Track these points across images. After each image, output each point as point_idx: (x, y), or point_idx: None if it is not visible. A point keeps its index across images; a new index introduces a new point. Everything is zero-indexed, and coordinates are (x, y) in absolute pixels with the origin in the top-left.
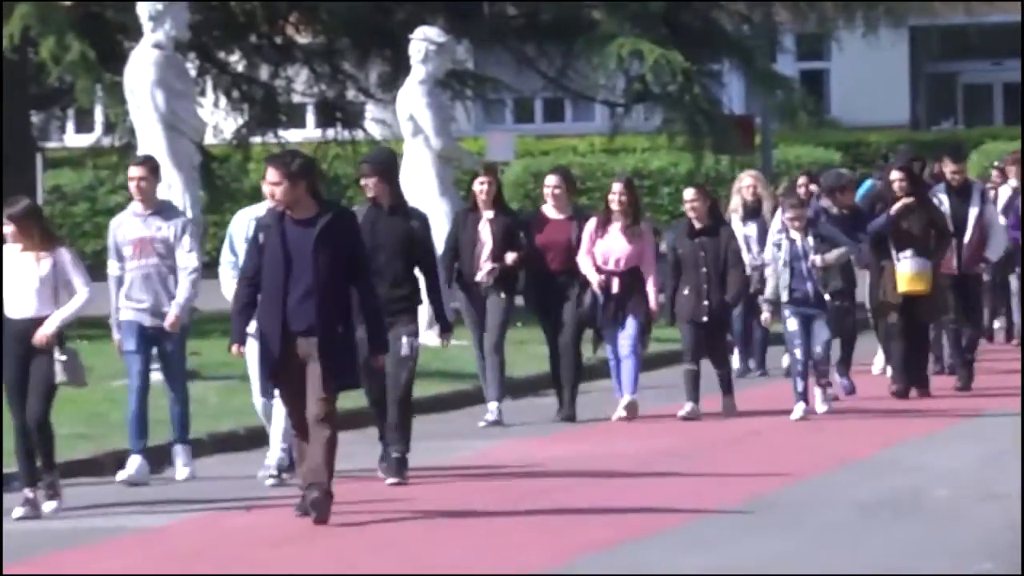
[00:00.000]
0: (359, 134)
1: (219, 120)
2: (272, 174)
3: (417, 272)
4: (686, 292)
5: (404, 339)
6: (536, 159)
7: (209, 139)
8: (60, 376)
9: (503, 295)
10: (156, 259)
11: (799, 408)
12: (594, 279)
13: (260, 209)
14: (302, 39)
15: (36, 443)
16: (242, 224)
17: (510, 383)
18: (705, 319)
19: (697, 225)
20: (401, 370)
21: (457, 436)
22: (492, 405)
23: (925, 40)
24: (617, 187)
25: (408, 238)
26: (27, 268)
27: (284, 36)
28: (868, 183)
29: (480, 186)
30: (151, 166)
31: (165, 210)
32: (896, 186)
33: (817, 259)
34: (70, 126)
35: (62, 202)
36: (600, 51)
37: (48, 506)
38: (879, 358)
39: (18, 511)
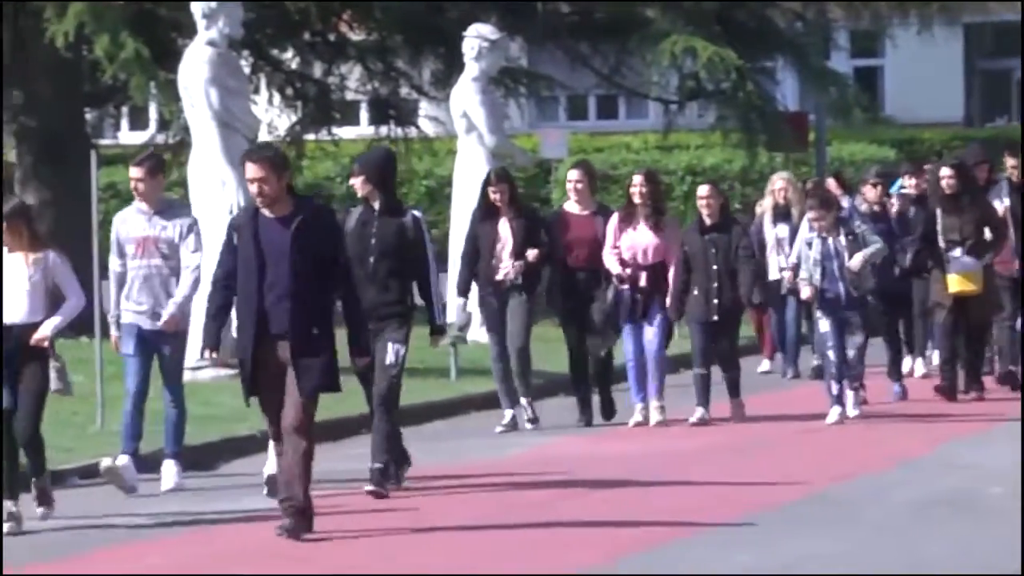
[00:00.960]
0: (412, 131)
1: (273, 117)
2: (256, 169)
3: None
4: (695, 292)
5: (390, 346)
6: (589, 156)
7: (263, 136)
8: (54, 384)
9: (524, 295)
10: (159, 259)
11: (834, 412)
12: (616, 270)
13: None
14: (355, 36)
15: (25, 449)
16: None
17: (547, 380)
18: (715, 319)
19: (708, 222)
20: (384, 378)
21: (506, 434)
22: (524, 401)
23: (979, 37)
24: (637, 179)
25: (400, 240)
26: (17, 271)
27: (337, 33)
28: (898, 182)
29: (495, 195)
30: (149, 167)
31: (169, 209)
32: (944, 183)
33: (853, 263)
34: (124, 123)
35: (116, 199)
36: (654, 48)
37: (38, 512)
38: (920, 361)
39: (5, 526)
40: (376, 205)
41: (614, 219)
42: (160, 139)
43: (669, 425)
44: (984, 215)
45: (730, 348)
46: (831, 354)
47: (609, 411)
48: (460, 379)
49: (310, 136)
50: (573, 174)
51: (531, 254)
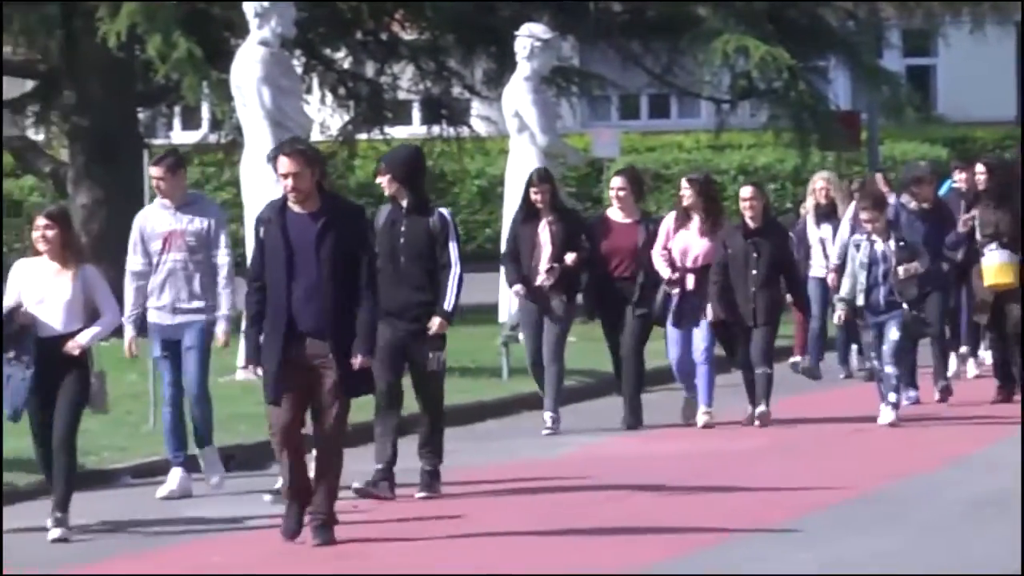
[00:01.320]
0: (464, 131)
1: (325, 117)
2: (290, 163)
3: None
4: (736, 296)
5: (431, 354)
6: (641, 156)
7: (316, 136)
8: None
9: (564, 300)
10: (184, 253)
11: (886, 413)
12: (666, 275)
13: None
14: (407, 36)
15: (56, 463)
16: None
17: (598, 379)
18: (753, 324)
19: (751, 224)
20: (428, 385)
21: (569, 432)
22: (546, 415)
23: None
24: (685, 183)
25: (428, 239)
26: (55, 281)
27: (390, 33)
28: (948, 182)
29: (536, 195)
30: (168, 164)
31: (196, 202)
32: (978, 179)
33: (900, 270)
34: (176, 123)
35: None
36: (706, 48)
37: (52, 533)
38: (972, 363)
39: (53, 532)
40: (404, 204)
41: (668, 220)
42: (212, 139)
43: (716, 428)
44: (1021, 210)
45: (765, 349)
46: (877, 363)
47: (636, 419)
48: (512, 378)
49: (362, 136)
50: (616, 181)
51: (569, 258)
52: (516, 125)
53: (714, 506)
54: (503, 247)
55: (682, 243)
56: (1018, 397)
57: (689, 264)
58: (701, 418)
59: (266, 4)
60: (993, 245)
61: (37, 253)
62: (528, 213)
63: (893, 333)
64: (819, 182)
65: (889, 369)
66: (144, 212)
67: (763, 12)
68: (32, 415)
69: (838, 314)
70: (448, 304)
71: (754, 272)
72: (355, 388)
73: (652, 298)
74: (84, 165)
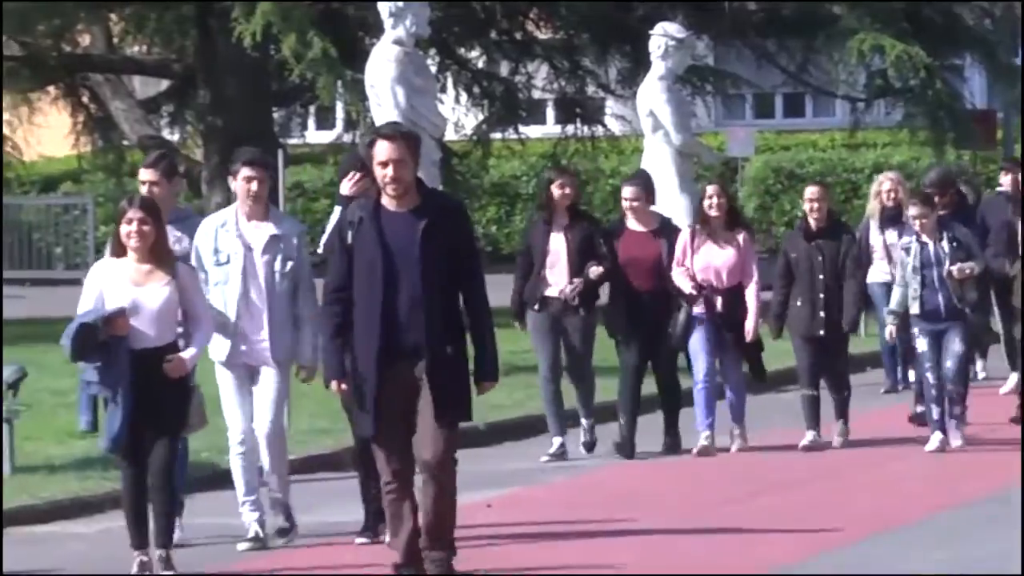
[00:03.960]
0: (599, 130)
1: (460, 116)
2: (391, 149)
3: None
4: (799, 304)
5: None
6: (776, 154)
7: (450, 135)
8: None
9: (584, 313)
10: None
11: (935, 439)
12: (687, 288)
13: (223, 216)
14: (542, 35)
15: (154, 497)
16: (207, 233)
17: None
18: (821, 333)
19: (815, 226)
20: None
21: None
22: (584, 423)
23: None
24: (711, 189)
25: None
26: (148, 284)
27: (524, 32)
28: None
29: (559, 190)
30: (164, 168)
31: (185, 219)
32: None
33: (954, 269)
34: (311, 123)
35: (303, 198)
36: (841, 46)
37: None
38: (1013, 376)
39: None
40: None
41: (685, 234)
42: (347, 138)
43: (749, 451)
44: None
45: (840, 366)
46: (930, 376)
47: (675, 445)
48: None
49: (496, 135)
50: (628, 191)
51: (593, 271)
52: (650, 124)
53: (843, 503)
54: None
55: (704, 260)
56: None
57: (715, 283)
58: (736, 441)
59: (401, 4)
60: None
61: (120, 253)
62: (543, 217)
63: (956, 346)
64: (886, 183)
65: (951, 387)
66: None
67: (899, 10)
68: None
69: (888, 328)
70: None
71: (820, 277)
72: (464, 415)
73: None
74: (218, 165)
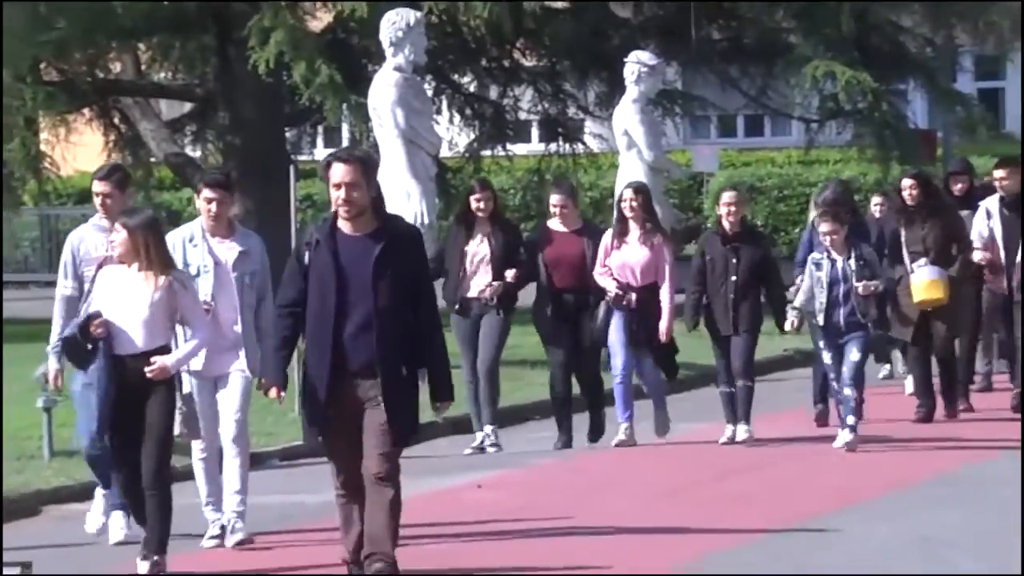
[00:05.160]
0: (579, 147)
1: (453, 135)
2: (346, 171)
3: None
4: (713, 304)
5: None
6: (738, 170)
7: (444, 152)
8: (178, 427)
9: (500, 315)
10: None
11: (843, 436)
12: (611, 288)
13: (189, 230)
14: (527, 62)
15: (149, 502)
16: (174, 247)
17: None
18: (732, 332)
19: (731, 231)
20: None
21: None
22: (488, 428)
23: None
24: (628, 193)
25: None
26: (135, 292)
27: (511, 60)
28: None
29: (477, 203)
30: (117, 179)
31: None
32: (906, 195)
33: (859, 287)
34: (319, 141)
35: (312, 209)
36: (797, 72)
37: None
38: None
39: (143, 565)
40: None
41: (607, 236)
42: None
43: (658, 448)
44: (949, 228)
45: (746, 360)
46: (836, 385)
47: (597, 432)
48: None
49: (486, 152)
50: (555, 198)
51: (510, 274)
52: (625, 142)
53: (818, 481)
54: None
55: (621, 259)
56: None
57: (631, 281)
58: (621, 435)
59: (400, 34)
60: (922, 261)
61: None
62: (463, 224)
63: (854, 354)
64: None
65: (848, 392)
66: (79, 232)
67: (849, 39)
68: (110, 437)
69: (790, 320)
70: None
71: (733, 279)
72: (411, 434)
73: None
74: (236, 179)
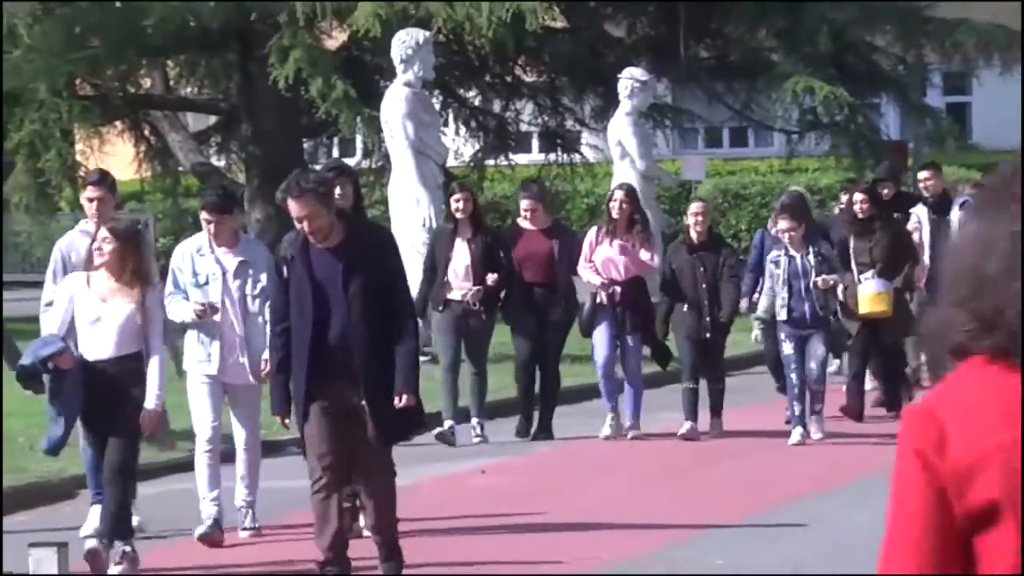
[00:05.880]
0: (576, 157)
1: (459, 146)
2: (300, 206)
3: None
4: (685, 309)
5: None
6: (724, 178)
7: (451, 162)
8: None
9: (484, 316)
10: None
11: (796, 433)
12: (595, 281)
13: (197, 241)
14: (528, 78)
15: (106, 491)
16: (184, 257)
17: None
18: (707, 336)
19: (697, 240)
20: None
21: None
22: (474, 421)
23: None
24: (619, 194)
25: None
26: (114, 300)
27: (513, 76)
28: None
29: (456, 203)
30: (109, 184)
31: None
32: (857, 208)
33: (819, 280)
34: (335, 151)
35: None
36: (778, 87)
37: (114, 569)
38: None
39: (114, 569)
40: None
41: (591, 233)
42: (365, 164)
43: (646, 439)
44: (897, 240)
45: (718, 363)
46: (794, 376)
47: (546, 433)
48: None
49: (490, 161)
50: (525, 202)
51: (491, 279)
52: (619, 152)
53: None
54: None
55: (604, 255)
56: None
57: (615, 276)
58: (607, 429)
59: (410, 52)
60: (869, 273)
61: (92, 268)
62: (448, 228)
63: (820, 350)
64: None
65: (815, 386)
66: (67, 238)
67: (827, 57)
68: (85, 436)
69: (754, 333)
70: None
71: (703, 286)
72: (399, 436)
73: (569, 309)
74: (258, 187)
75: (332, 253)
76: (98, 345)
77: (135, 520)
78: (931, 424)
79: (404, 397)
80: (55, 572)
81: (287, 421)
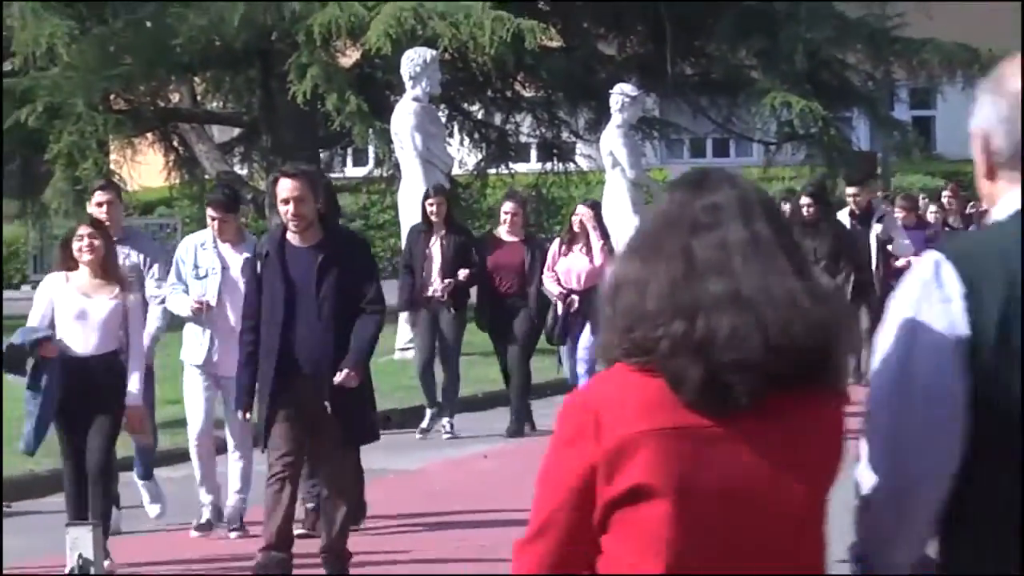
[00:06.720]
0: (571, 166)
1: (463, 156)
2: (292, 187)
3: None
4: None
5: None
6: None
7: (456, 170)
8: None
9: (454, 312)
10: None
11: None
12: (555, 291)
13: (202, 236)
14: (527, 93)
15: (93, 491)
16: (188, 249)
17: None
18: None
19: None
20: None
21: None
22: (445, 421)
23: None
24: (581, 209)
25: None
26: (95, 298)
27: (513, 91)
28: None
29: (431, 207)
30: (118, 191)
31: (132, 237)
32: (804, 211)
33: None
34: (349, 161)
35: (342, 220)
36: (757, 102)
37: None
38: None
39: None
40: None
41: (555, 245)
42: (376, 173)
43: None
44: (837, 244)
45: None
46: None
47: (519, 430)
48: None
49: (492, 170)
50: (508, 206)
51: (462, 274)
52: (610, 162)
53: None
54: None
55: (567, 265)
56: None
57: (575, 285)
58: None
59: (418, 69)
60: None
61: (69, 268)
62: (424, 228)
63: None
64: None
65: None
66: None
67: (803, 74)
68: (60, 439)
69: None
70: None
71: None
72: (363, 439)
73: (542, 314)
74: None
75: (308, 252)
76: (80, 340)
77: (113, 517)
78: (588, 414)
79: (345, 372)
80: (91, 550)
81: (248, 415)
